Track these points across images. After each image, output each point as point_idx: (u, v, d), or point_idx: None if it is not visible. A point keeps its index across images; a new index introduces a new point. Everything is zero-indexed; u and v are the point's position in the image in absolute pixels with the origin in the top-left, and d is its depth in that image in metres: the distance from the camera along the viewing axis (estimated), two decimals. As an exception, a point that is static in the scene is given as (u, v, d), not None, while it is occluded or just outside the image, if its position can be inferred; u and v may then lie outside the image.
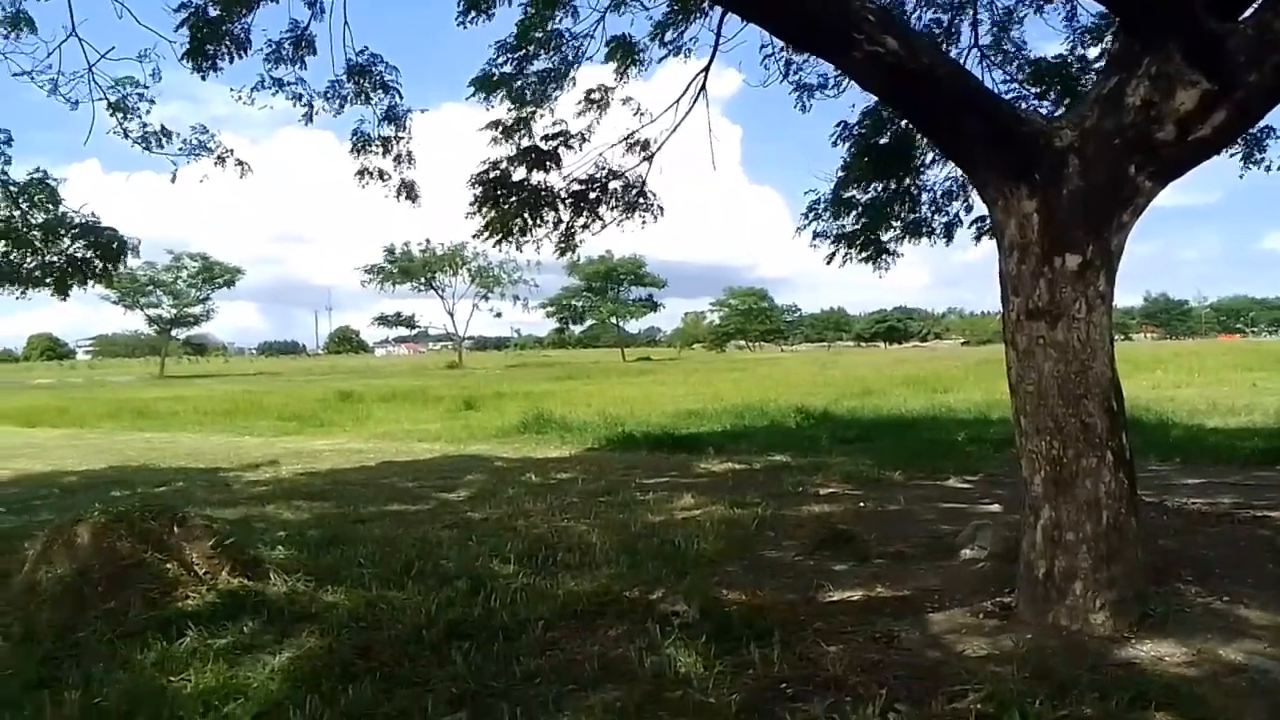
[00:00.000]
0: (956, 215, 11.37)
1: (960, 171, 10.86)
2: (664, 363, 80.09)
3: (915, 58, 4.78)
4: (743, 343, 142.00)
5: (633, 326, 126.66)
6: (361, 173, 10.78)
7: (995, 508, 8.19)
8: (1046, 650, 4.43)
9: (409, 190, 11.06)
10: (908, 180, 11.18)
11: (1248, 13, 4.74)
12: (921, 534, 7.30)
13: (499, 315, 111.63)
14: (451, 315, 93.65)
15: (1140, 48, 4.71)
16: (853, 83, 10.52)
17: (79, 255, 12.51)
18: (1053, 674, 4.09)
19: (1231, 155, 10.54)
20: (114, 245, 12.53)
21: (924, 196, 11.35)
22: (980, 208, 11.11)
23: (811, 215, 11.48)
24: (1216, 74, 4.44)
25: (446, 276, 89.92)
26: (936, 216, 11.42)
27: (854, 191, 11.21)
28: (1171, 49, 4.51)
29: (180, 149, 11.32)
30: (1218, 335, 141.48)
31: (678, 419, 18.26)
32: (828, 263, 11.66)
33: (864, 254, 11.55)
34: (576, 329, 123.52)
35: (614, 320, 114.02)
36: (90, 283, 12.86)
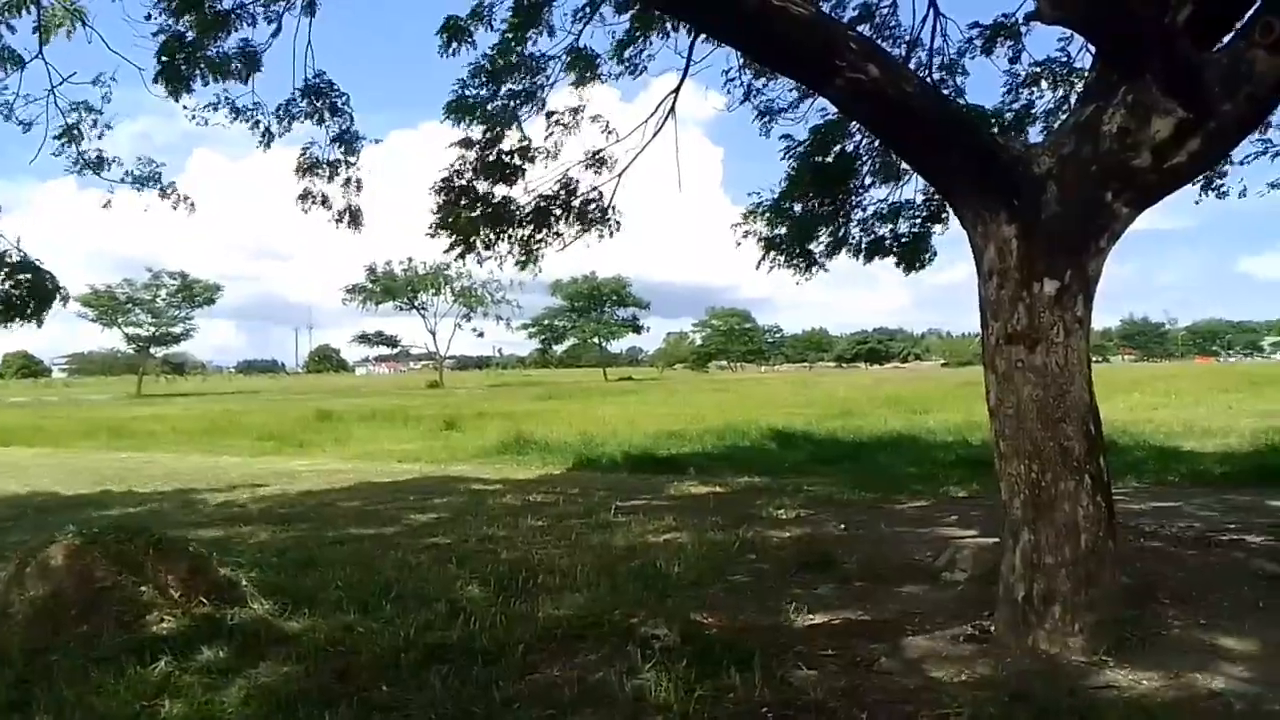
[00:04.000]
0: (881, 238, 11.60)
1: (895, 196, 11.21)
2: (646, 383, 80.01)
3: (897, 85, 4.84)
4: (724, 363, 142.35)
5: (615, 346, 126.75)
6: (304, 196, 10.73)
7: (973, 531, 8.21)
8: (1025, 674, 4.45)
9: (353, 217, 10.97)
10: (843, 199, 11.42)
11: (1222, 42, 4.82)
12: (901, 557, 7.31)
13: (481, 335, 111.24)
14: (433, 334, 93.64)
15: (1117, 77, 4.79)
16: (811, 107, 10.84)
17: (12, 293, 12.27)
18: (1032, 698, 4.10)
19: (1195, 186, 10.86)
20: (48, 286, 12.33)
21: (855, 215, 11.61)
22: (902, 229, 11.57)
23: (750, 218, 11.72)
24: (1192, 103, 4.51)
25: (429, 295, 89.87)
26: (862, 236, 11.69)
27: (793, 204, 11.43)
28: (1148, 78, 4.58)
29: (124, 178, 11.20)
30: (1194, 358, 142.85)
31: (658, 440, 18.23)
32: (756, 267, 12.00)
33: (790, 263, 11.82)
34: (559, 349, 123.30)
35: (596, 340, 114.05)
36: (17, 323, 12.61)
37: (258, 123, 10.01)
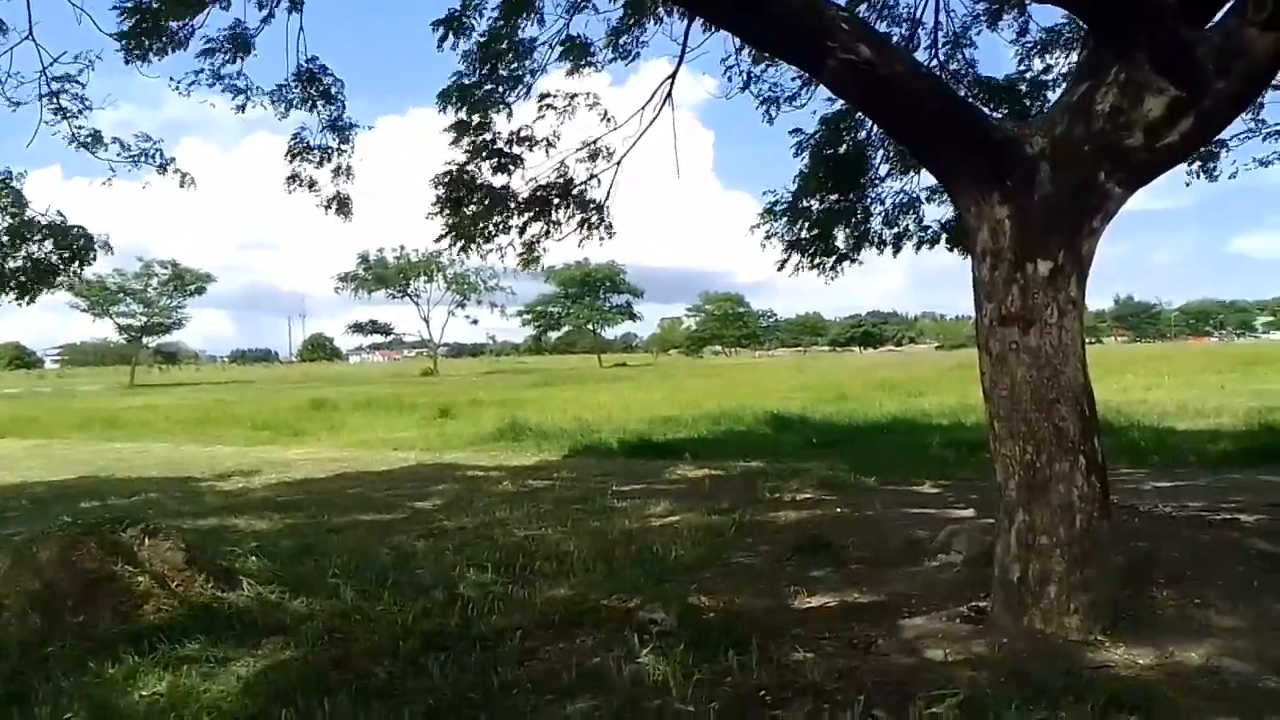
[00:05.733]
0: (906, 228, 11.59)
1: (912, 185, 11.16)
2: (640, 369, 79.98)
3: (889, 66, 4.81)
4: (719, 348, 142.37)
5: (609, 333, 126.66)
6: (292, 178, 10.66)
7: (969, 512, 8.23)
8: (1021, 654, 4.46)
9: (341, 204, 10.92)
10: (862, 192, 11.34)
11: (1214, 20, 4.80)
12: (897, 539, 7.32)
13: (475, 322, 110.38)
14: (427, 322, 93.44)
15: (1109, 55, 4.77)
16: (814, 94, 10.79)
17: (44, 258, 12.14)
18: (1028, 678, 4.12)
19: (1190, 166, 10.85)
20: (81, 243, 12.19)
21: (876, 209, 11.58)
22: (929, 218, 11.60)
23: (768, 217, 11.66)
24: (1185, 82, 4.50)
25: (422, 283, 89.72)
26: (886, 229, 11.66)
27: (810, 201, 11.34)
28: (1140, 57, 4.56)
29: (119, 155, 11.04)
30: (1187, 338, 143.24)
31: (654, 425, 18.23)
32: (779, 269, 11.87)
33: (815, 263, 11.73)
34: (553, 336, 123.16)
35: (591, 327, 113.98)
36: (58, 285, 12.49)
37: (239, 90, 9.86)
